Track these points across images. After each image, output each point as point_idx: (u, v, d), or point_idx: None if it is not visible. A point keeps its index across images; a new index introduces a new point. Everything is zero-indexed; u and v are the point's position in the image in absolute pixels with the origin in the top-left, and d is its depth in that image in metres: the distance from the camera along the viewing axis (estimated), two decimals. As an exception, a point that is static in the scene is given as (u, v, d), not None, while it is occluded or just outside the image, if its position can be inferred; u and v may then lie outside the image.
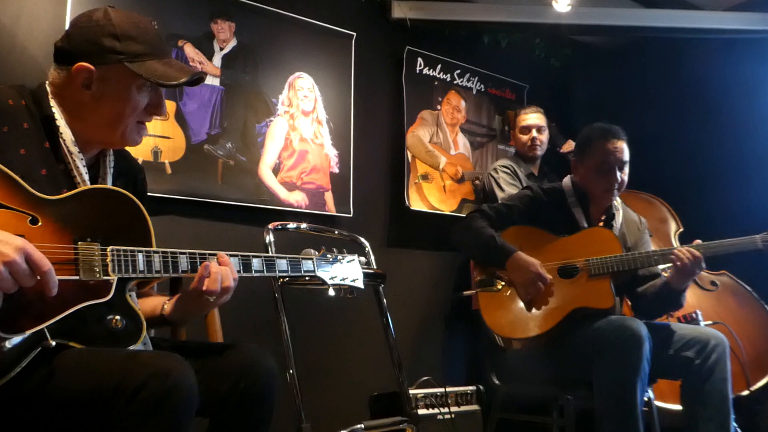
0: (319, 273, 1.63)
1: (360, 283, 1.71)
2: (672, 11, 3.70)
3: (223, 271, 1.41)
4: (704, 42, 3.79)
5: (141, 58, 1.39)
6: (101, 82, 1.38)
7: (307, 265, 1.61)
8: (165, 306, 1.53)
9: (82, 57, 1.37)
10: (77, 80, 1.37)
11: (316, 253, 1.67)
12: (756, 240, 2.36)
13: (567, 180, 2.62)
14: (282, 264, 1.55)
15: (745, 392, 2.93)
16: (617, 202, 2.59)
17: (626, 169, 2.48)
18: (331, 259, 1.67)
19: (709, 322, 2.96)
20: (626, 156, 2.47)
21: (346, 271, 1.69)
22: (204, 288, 1.38)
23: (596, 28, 3.80)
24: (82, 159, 1.40)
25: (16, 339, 1.15)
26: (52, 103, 1.39)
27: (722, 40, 3.74)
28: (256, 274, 1.50)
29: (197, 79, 1.47)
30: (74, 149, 1.38)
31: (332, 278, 1.65)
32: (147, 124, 1.51)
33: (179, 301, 1.50)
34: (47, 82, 1.42)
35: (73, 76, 1.37)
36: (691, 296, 3.26)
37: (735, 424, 2.59)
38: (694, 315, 2.93)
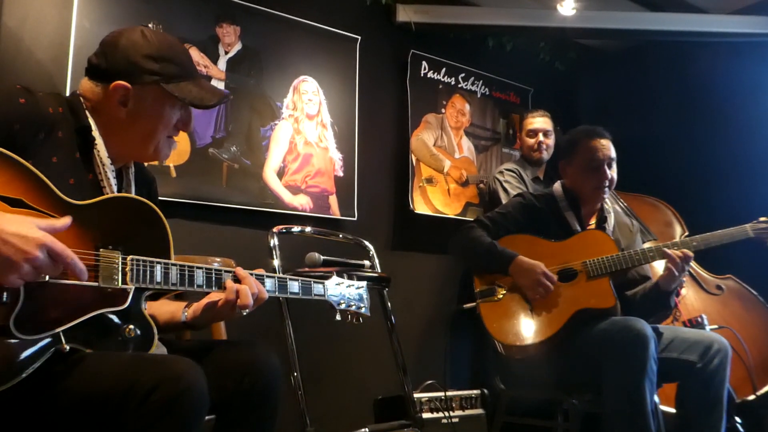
0: (328, 297, 1.68)
1: (366, 311, 1.76)
2: (676, 15, 3.71)
3: (248, 286, 1.45)
4: (709, 45, 3.79)
5: (176, 80, 1.44)
6: (137, 101, 1.42)
7: (317, 289, 1.66)
8: (186, 312, 1.55)
9: (120, 76, 1.41)
10: (114, 97, 1.41)
11: (321, 257, 1.68)
12: (746, 229, 2.37)
13: (557, 185, 2.63)
14: (294, 286, 1.59)
15: (752, 397, 2.92)
16: (608, 205, 2.60)
17: (614, 167, 2.50)
18: (341, 284, 1.72)
19: (715, 326, 2.95)
20: (613, 153, 2.49)
21: (354, 298, 1.74)
22: (239, 304, 1.43)
23: (601, 31, 3.80)
24: (113, 171, 1.44)
25: (32, 340, 1.16)
26: (87, 114, 1.42)
27: (727, 44, 3.74)
28: (267, 295, 1.53)
29: (225, 100, 1.55)
30: (107, 161, 1.42)
31: (340, 303, 1.70)
32: None
33: (207, 311, 1.51)
34: (79, 93, 1.45)
35: (110, 94, 1.41)
36: (697, 300, 3.25)
37: (741, 429, 2.58)
38: (699, 319, 2.92)
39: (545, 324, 2.36)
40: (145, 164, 1.67)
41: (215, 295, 1.47)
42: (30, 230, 1.11)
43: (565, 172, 2.59)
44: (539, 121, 3.51)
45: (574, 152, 2.54)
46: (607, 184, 2.48)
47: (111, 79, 1.41)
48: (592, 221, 2.58)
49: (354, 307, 1.72)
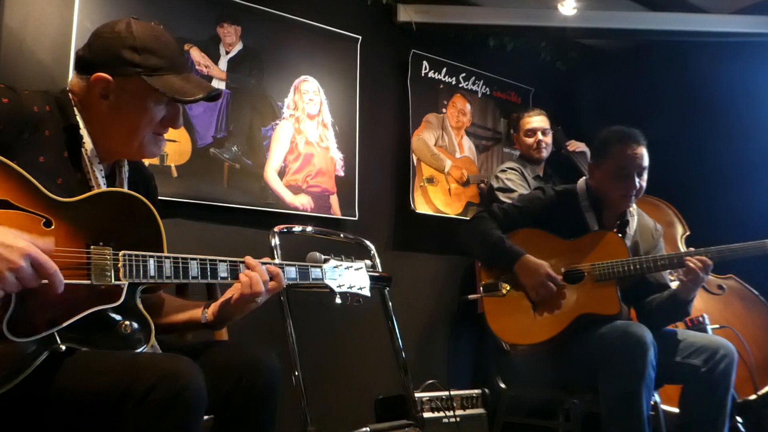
0: (327, 281, 1.64)
1: (367, 291, 1.71)
2: (677, 14, 3.70)
3: (259, 274, 1.46)
4: (710, 45, 3.78)
5: (159, 72, 1.39)
6: (118, 93, 1.38)
7: (315, 273, 1.62)
8: (206, 313, 1.55)
9: (101, 67, 1.37)
10: (95, 90, 1.38)
11: (323, 256, 1.68)
12: (765, 245, 2.32)
13: (581, 182, 2.55)
14: (291, 272, 1.57)
15: (753, 396, 2.92)
16: (632, 208, 2.52)
17: (645, 175, 2.40)
18: (339, 267, 1.68)
19: (716, 326, 2.95)
20: (646, 162, 2.39)
21: (353, 279, 1.69)
22: (251, 292, 1.45)
23: (602, 31, 3.80)
24: (101, 170, 1.41)
25: (27, 342, 1.16)
26: (76, 111, 1.40)
27: (728, 44, 3.73)
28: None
29: (214, 96, 1.47)
30: (94, 159, 1.40)
31: (340, 286, 1.66)
32: None
33: (224, 308, 1.52)
34: (68, 89, 1.43)
35: (92, 86, 1.38)
36: (698, 300, 3.22)
37: (742, 429, 2.57)
38: (700, 319, 2.91)
39: (547, 325, 2.35)
40: (146, 163, 1.65)
41: (229, 293, 1.48)
42: (14, 240, 1.09)
43: (593, 174, 2.48)
44: (537, 120, 3.52)
45: (605, 156, 2.42)
46: (634, 193, 2.39)
47: (92, 70, 1.38)
48: (615, 224, 2.50)
49: (355, 289, 1.68)
